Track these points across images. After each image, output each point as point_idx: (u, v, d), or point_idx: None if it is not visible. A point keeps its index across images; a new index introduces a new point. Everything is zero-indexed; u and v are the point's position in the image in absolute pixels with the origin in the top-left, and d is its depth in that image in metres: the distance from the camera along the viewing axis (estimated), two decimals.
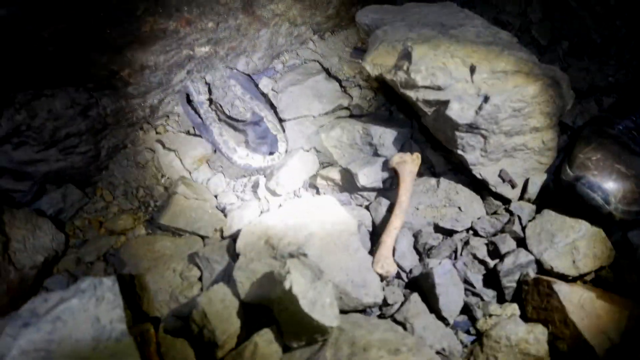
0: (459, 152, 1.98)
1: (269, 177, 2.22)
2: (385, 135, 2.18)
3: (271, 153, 2.22)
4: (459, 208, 1.99)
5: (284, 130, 2.34)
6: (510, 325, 1.63)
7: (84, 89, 2.10)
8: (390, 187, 2.15)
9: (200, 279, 1.86)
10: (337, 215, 1.88)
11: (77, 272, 1.94)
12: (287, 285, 1.51)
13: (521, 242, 1.86)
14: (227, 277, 1.81)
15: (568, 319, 1.54)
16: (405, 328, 1.66)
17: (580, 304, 1.57)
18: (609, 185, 1.73)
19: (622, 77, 2.50)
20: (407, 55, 2.03)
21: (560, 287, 1.60)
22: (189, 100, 2.34)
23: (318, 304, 1.52)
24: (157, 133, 2.37)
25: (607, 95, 2.41)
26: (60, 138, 2.08)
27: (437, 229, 1.98)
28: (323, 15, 2.73)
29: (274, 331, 1.60)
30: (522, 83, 1.94)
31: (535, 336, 1.59)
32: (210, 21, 2.30)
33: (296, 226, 1.80)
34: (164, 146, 2.30)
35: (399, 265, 1.86)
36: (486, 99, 1.89)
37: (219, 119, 2.28)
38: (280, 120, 2.40)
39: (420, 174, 2.16)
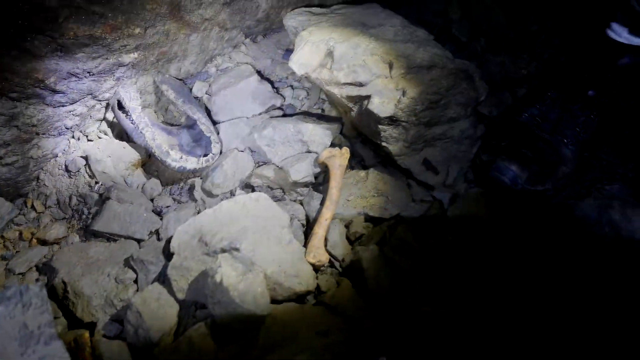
0: (384, 144, 2.09)
1: (205, 179, 2.25)
2: (315, 132, 2.27)
3: (205, 155, 2.25)
4: (387, 197, 2.10)
5: (217, 132, 2.38)
6: (435, 302, 1.74)
7: (7, 98, 2.07)
8: (323, 181, 2.24)
9: (135, 281, 1.88)
10: (269, 211, 1.94)
11: (8, 284, 1.91)
12: (217, 278, 1.57)
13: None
14: (162, 277, 1.83)
15: None
16: (337, 312, 1.74)
17: None
18: (515, 169, 1.88)
19: (534, 69, 2.70)
20: (330, 54, 2.13)
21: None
22: (121, 107, 2.34)
23: (249, 294, 1.58)
24: (89, 140, 2.35)
25: (521, 86, 2.60)
26: None
27: (367, 218, 2.08)
28: (253, 19, 2.79)
29: (209, 325, 1.64)
30: (437, 77, 2.08)
31: (458, 309, 1.71)
32: (137, 27, 2.31)
33: (229, 223, 1.85)
34: (96, 153, 2.28)
35: (331, 255, 1.95)
36: (404, 92, 2.01)
37: (152, 124, 2.29)
38: (214, 123, 2.44)
39: (351, 167, 2.26)
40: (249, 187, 2.28)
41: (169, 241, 1.90)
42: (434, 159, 2.14)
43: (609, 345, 1.56)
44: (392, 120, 2.03)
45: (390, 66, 2.07)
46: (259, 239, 1.82)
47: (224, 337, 1.62)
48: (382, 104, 2.01)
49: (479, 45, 2.90)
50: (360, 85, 2.05)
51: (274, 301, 1.73)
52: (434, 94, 2.04)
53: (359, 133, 2.30)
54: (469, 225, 1.94)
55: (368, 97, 2.04)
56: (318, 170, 2.20)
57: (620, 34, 2.02)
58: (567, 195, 2.02)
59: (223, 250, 1.74)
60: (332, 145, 2.29)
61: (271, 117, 2.45)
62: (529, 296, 1.73)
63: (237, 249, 1.74)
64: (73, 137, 2.33)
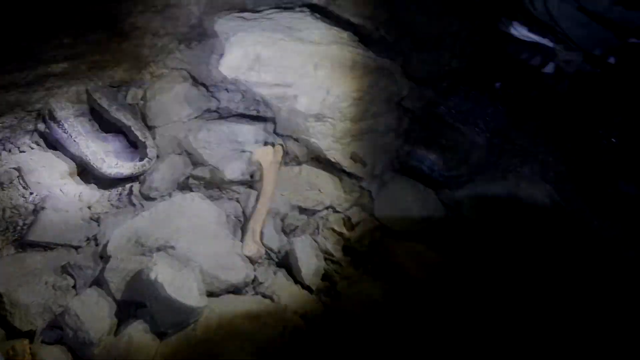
0: (313, 140, 2.21)
1: (142, 183, 2.29)
2: (250, 132, 2.36)
3: (141, 159, 2.30)
4: (319, 190, 2.22)
5: (154, 137, 2.43)
6: (363, 283, 1.88)
7: None
8: (259, 179, 2.33)
9: (74, 287, 1.90)
10: (204, 209, 2.02)
11: None
12: (152, 276, 1.63)
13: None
14: (100, 280, 1.87)
15: (405, 271, 1.82)
16: (272, 300, 1.84)
17: (414, 257, 1.86)
18: (432, 157, 2.06)
19: (455, 65, 2.90)
20: (257, 58, 2.23)
21: (398, 246, 1.88)
22: (52, 117, 2.34)
23: (184, 288, 1.65)
24: (21, 152, 2.33)
25: (442, 81, 2.79)
26: None
27: (301, 210, 2.19)
28: (186, 26, 2.84)
29: (148, 321, 1.70)
30: (360, 75, 2.22)
31: (383, 290, 1.85)
32: (66, 37, 2.33)
33: (165, 223, 1.92)
34: (29, 164, 2.28)
35: (267, 247, 2.04)
36: (329, 91, 2.14)
37: (85, 132, 2.31)
38: (150, 128, 2.49)
39: (285, 164, 2.36)
40: (186, 188, 2.34)
41: (106, 245, 1.94)
42: (362, 152, 2.28)
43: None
44: (318, 118, 2.15)
45: (316, 67, 2.19)
46: (195, 236, 1.89)
47: (164, 332, 1.68)
48: (309, 103, 2.13)
49: (404, 44, 3.09)
50: (288, 85, 2.16)
51: (212, 294, 1.81)
52: (357, 91, 2.18)
53: (291, 131, 2.41)
54: (395, 211, 2.09)
55: (295, 96, 2.15)
56: (253, 168, 2.29)
57: (521, 32, 2.25)
58: (483, 179, 2.22)
59: (159, 250, 1.80)
60: (266, 143, 2.38)
61: (206, 120, 2.52)
62: (452, 281, 1.89)
63: (172, 247, 1.80)
64: (4, 149, 2.31)
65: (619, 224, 2.05)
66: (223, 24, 2.65)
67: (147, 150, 2.33)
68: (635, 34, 2.15)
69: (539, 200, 2.11)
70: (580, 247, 2.06)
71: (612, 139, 2.25)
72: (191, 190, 2.32)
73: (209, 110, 2.60)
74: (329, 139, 2.22)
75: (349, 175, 2.29)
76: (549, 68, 2.21)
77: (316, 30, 2.42)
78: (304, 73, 2.17)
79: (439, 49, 3.03)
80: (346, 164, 2.26)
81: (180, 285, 1.64)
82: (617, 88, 2.29)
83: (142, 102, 2.61)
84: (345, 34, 2.47)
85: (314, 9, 2.88)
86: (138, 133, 2.35)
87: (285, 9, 2.81)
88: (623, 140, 2.24)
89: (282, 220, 2.17)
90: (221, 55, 2.90)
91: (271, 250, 2.07)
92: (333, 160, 2.25)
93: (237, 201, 2.25)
